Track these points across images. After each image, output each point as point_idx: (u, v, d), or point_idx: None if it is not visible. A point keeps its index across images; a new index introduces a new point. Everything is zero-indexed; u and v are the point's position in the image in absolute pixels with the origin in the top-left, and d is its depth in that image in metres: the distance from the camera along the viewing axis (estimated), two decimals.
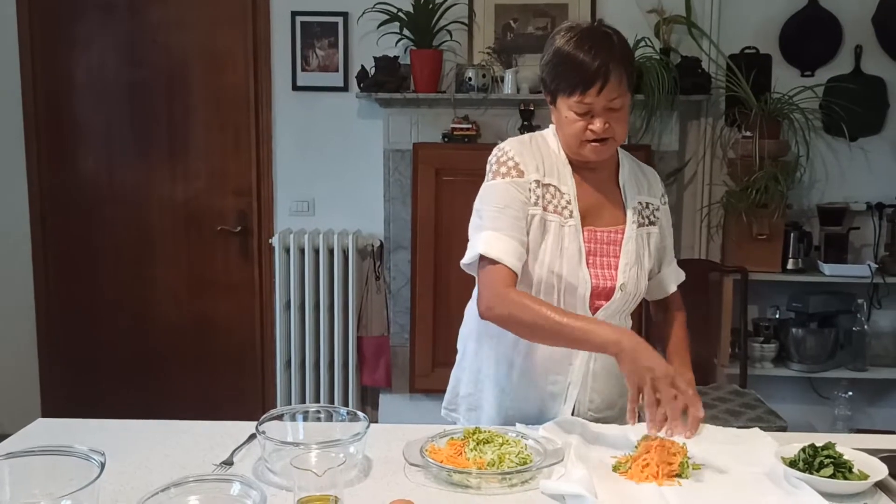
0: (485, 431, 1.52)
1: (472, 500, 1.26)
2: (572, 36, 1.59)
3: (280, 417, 1.54)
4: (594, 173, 1.70)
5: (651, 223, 1.75)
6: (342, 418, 1.56)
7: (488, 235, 1.60)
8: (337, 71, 3.68)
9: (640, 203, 1.73)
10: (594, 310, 1.67)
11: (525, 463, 1.42)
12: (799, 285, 3.54)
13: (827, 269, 3.45)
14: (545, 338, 1.59)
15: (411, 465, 1.44)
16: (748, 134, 3.42)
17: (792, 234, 3.48)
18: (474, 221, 1.66)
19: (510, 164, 1.64)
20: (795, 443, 1.45)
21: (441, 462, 1.42)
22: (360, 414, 1.52)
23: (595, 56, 1.55)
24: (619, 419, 1.71)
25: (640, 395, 1.45)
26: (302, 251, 3.63)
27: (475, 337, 1.80)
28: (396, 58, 3.53)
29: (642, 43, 3.41)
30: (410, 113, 3.53)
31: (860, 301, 3.52)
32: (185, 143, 3.79)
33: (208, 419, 1.71)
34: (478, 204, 1.67)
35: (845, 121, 3.49)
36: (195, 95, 3.76)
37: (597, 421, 1.69)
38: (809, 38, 3.59)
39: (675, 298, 1.86)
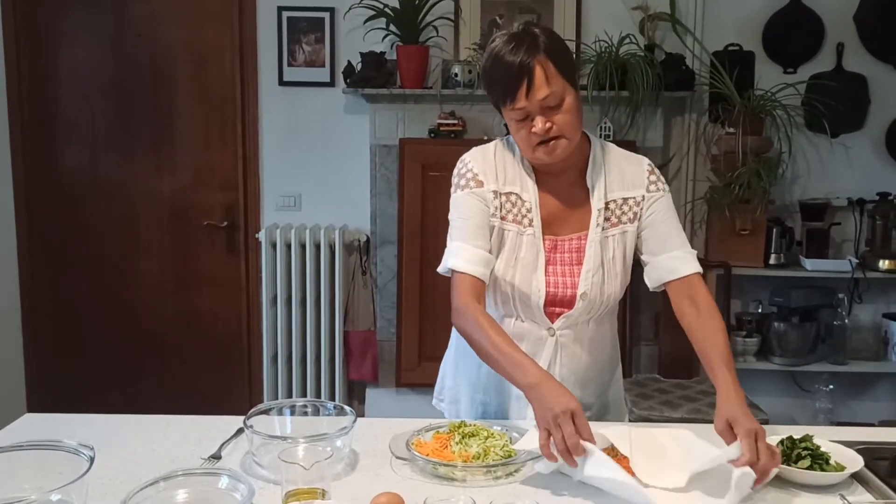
0: (470, 425, 1.55)
1: (458, 492, 1.28)
2: (499, 42, 1.56)
3: (267, 412, 1.55)
4: (560, 177, 1.66)
5: (628, 221, 1.66)
6: (329, 412, 1.58)
7: (456, 247, 1.63)
8: (323, 66, 3.69)
9: (613, 201, 1.66)
10: (554, 317, 1.67)
11: (509, 456, 1.45)
12: (781, 280, 3.58)
13: (808, 263, 3.49)
14: (486, 361, 1.56)
15: (398, 458, 1.46)
16: (731, 130, 3.46)
17: (774, 230, 3.52)
18: (449, 231, 1.69)
19: (469, 175, 1.66)
20: (774, 435, 1.48)
21: (427, 455, 1.44)
22: (347, 408, 1.54)
23: (516, 55, 1.52)
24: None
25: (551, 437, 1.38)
26: (288, 246, 3.64)
27: (456, 332, 1.82)
28: (383, 53, 3.54)
29: (627, 40, 3.44)
30: (397, 108, 3.54)
31: (841, 296, 3.56)
32: (171, 137, 3.79)
33: (195, 413, 1.72)
34: (450, 215, 1.69)
35: (827, 117, 3.52)
36: (181, 90, 3.76)
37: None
38: (792, 35, 3.62)
39: (698, 287, 1.64)
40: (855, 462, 1.41)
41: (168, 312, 3.87)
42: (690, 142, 3.66)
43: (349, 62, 3.56)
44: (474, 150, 1.71)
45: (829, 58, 3.63)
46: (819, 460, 1.40)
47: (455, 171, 1.70)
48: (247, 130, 3.76)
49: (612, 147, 1.73)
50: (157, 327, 3.87)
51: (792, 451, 1.41)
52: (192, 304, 3.86)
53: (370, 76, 3.50)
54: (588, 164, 1.67)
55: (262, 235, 3.67)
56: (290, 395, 3.72)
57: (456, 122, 3.46)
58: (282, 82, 3.71)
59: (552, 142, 1.56)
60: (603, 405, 1.82)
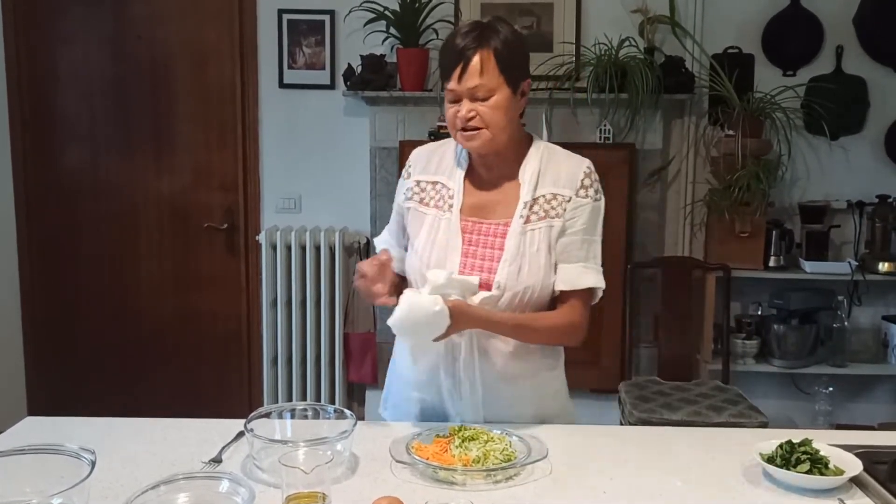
0: (470, 429, 1.55)
1: (458, 496, 1.28)
2: (462, 25, 1.66)
3: (268, 415, 1.55)
4: (493, 170, 1.70)
5: (555, 216, 1.66)
6: (329, 416, 1.58)
7: (384, 230, 1.90)
8: (324, 69, 3.69)
9: (543, 196, 1.67)
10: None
11: (510, 460, 1.45)
12: (780, 282, 3.59)
13: (808, 266, 3.50)
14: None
15: (398, 462, 1.46)
16: (731, 133, 3.46)
17: (774, 232, 3.52)
18: None
19: (408, 167, 1.81)
20: (773, 440, 1.48)
21: (427, 459, 1.44)
22: (347, 412, 1.54)
23: (464, 40, 1.59)
24: (519, 423, 1.67)
25: None
26: (288, 248, 3.64)
27: (396, 339, 1.83)
28: (383, 56, 3.54)
29: (626, 42, 3.44)
30: (397, 111, 3.55)
31: (840, 298, 3.57)
32: (171, 138, 3.79)
33: (194, 416, 1.72)
34: None
35: (826, 120, 3.53)
36: (180, 91, 3.76)
37: (489, 422, 1.66)
38: (791, 38, 3.63)
39: (567, 303, 1.68)
40: (854, 466, 1.41)
41: (168, 314, 3.87)
42: (690, 144, 3.66)
43: (349, 65, 3.56)
44: (424, 146, 1.84)
45: (828, 60, 3.63)
46: (818, 464, 1.40)
47: None
48: (247, 132, 3.77)
49: (557, 149, 1.75)
50: (156, 329, 3.88)
51: (791, 455, 1.41)
52: (192, 306, 3.86)
53: (370, 79, 3.50)
54: (524, 160, 1.71)
55: (262, 237, 3.67)
56: (289, 397, 3.73)
57: None
58: (282, 84, 3.72)
59: (473, 131, 1.62)
60: (540, 411, 1.74)
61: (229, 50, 3.72)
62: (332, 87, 3.69)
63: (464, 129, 1.62)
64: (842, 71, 3.62)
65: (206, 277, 3.86)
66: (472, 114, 1.59)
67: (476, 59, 1.57)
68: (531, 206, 1.67)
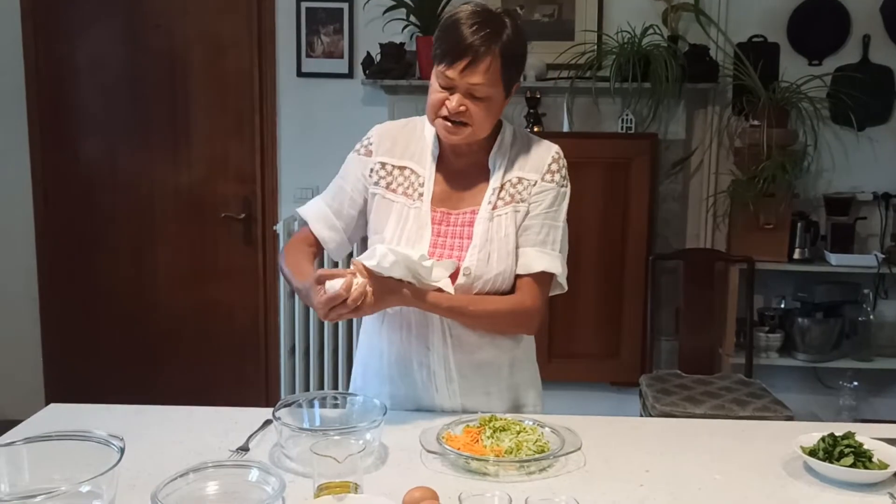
0: (500, 419, 1.51)
1: (493, 487, 1.25)
2: (470, 10, 1.54)
3: (295, 404, 1.53)
4: (462, 157, 1.66)
5: (520, 200, 1.63)
6: (357, 405, 1.55)
7: (316, 201, 1.76)
8: (342, 57, 3.66)
9: (508, 181, 1.64)
10: (438, 290, 1.61)
11: (543, 451, 1.41)
12: (805, 275, 3.54)
13: (833, 258, 3.45)
14: (287, 281, 1.69)
15: (428, 451, 1.43)
16: (756, 123, 3.41)
17: (798, 224, 3.47)
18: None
19: (366, 143, 1.72)
20: (815, 432, 1.44)
21: (458, 449, 1.41)
22: (376, 401, 1.51)
23: (475, 33, 1.50)
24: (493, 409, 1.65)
25: None
26: None
27: (363, 330, 1.79)
28: (402, 44, 3.51)
29: (650, 31, 3.40)
30: (416, 100, 3.51)
31: (866, 291, 3.52)
32: (188, 128, 3.77)
33: (210, 406, 1.69)
34: None
35: (853, 110, 3.47)
36: (198, 81, 3.74)
37: (467, 411, 1.63)
38: (817, 26, 3.57)
39: (521, 288, 1.63)
40: None
41: (185, 304, 3.85)
42: (713, 135, 3.61)
43: (368, 53, 3.53)
44: (387, 122, 1.76)
45: (854, 50, 3.57)
46: (862, 458, 1.36)
47: (361, 140, 1.75)
48: (264, 122, 3.74)
49: (525, 133, 1.73)
50: (173, 319, 3.86)
51: (834, 449, 1.37)
52: (210, 297, 3.85)
53: (389, 67, 3.47)
54: (494, 146, 1.67)
55: (279, 227, 3.64)
56: (307, 388, 3.70)
57: None
58: (300, 73, 3.69)
59: (458, 125, 1.56)
60: (517, 402, 1.73)
61: (247, 39, 3.69)
62: (350, 75, 3.66)
63: (448, 120, 1.56)
64: (868, 60, 3.56)
65: (223, 268, 3.84)
66: (462, 108, 1.54)
67: (485, 60, 1.50)
68: (499, 193, 1.64)
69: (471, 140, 1.61)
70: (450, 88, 1.54)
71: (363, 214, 1.72)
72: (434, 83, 1.57)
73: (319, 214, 1.72)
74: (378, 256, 1.51)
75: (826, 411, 3.64)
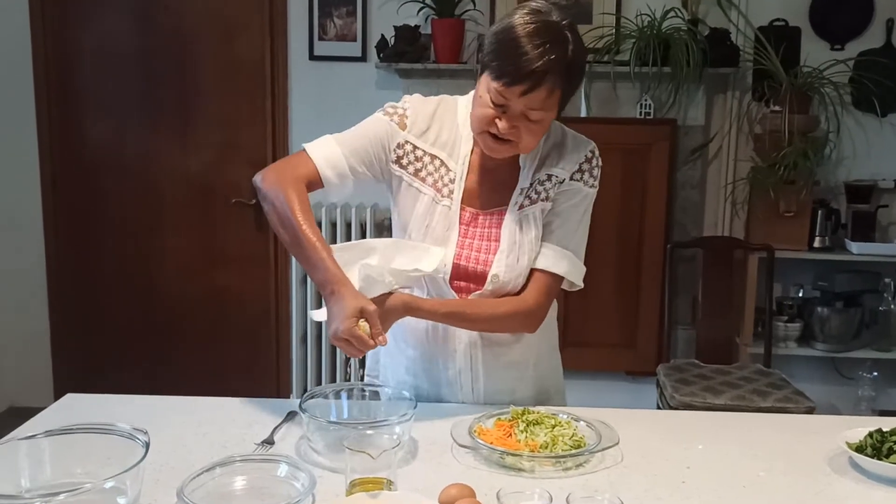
0: (534, 412, 1.47)
1: (531, 484, 1.20)
2: (532, 22, 1.40)
3: (322, 395, 1.48)
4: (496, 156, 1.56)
5: (544, 199, 1.56)
6: (385, 397, 1.51)
7: (325, 140, 1.57)
8: (355, 41, 3.59)
9: (537, 179, 1.56)
10: (462, 293, 1.56)
11: (579, 446, 1.37)
12: (825, 263, 3.48)
13: (854, 247, 3.39)
14: (286, 237, 1.50)
15: (460, 445, 1.38)
16: (777, 108, 3.34)
17: (819, 212, 3.41)
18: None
19: (400, 111, 1.59)
20: (860, 427, 1.39)
21: (491, 444, 1.36)
22: (405, 392, 1.47)
23: (540, 56, 1.37)
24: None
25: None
26: (318, 225, 3.56)
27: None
28: (417, 27, 3.44)
29: (671, 14, 3.33)
30: (431, 84, 3.44)
31: (887, 280, 3.46)
32: (198, 112, 3.71)
33: (221, 394, 1.65)
34: None
35: (877, 95, 3.41)
36: (208, 64, 3.67)
37: (491, 404, 1.60)
38: (839, 10, 3.50)
39: (531, 285, 1.56)
40: None
41: (195, 290, 3.81)
42: (733, 120, 3.54)
43: (382, 36, 3.46)
44: (420, 97, 1.62)
45: (878, 34, 3.50)
46: None
47: (391, 102, 1.61)
48: (276, 106, 3.68)
49: (560, 127, 1.61)
50: (183, 305, 3.81)
51: (882, 445, 1.32)
52: (220, 283, 3.80)
53: (404, 50, 3.40)
54: None
55: None
56: (318, 376, 3.67)
57: None
58: (312, 56, 3.62)
59: (503, 143, 1.47)
60: (542, 392, 1.69)
61: (258, 21, 3.62)
62: (363, 59, 3.59)
63: (495, 137, 1.47)
64: (892, 45, 3.49)
65: (233, 254, 3.79)
66: (513, 129, 1.44)
67: (546, 87, 1.39)
68: (527, 192, 1.56)
69: (509, 154, 1.52)
70: (502, 106, 1.43)
71: (372, 180, 1.61)
72: (484, 95, 1.45)
73: (333, 161, 1.54)
74: (358, 281, 1.45)
75: (844, 402, 3.60)
